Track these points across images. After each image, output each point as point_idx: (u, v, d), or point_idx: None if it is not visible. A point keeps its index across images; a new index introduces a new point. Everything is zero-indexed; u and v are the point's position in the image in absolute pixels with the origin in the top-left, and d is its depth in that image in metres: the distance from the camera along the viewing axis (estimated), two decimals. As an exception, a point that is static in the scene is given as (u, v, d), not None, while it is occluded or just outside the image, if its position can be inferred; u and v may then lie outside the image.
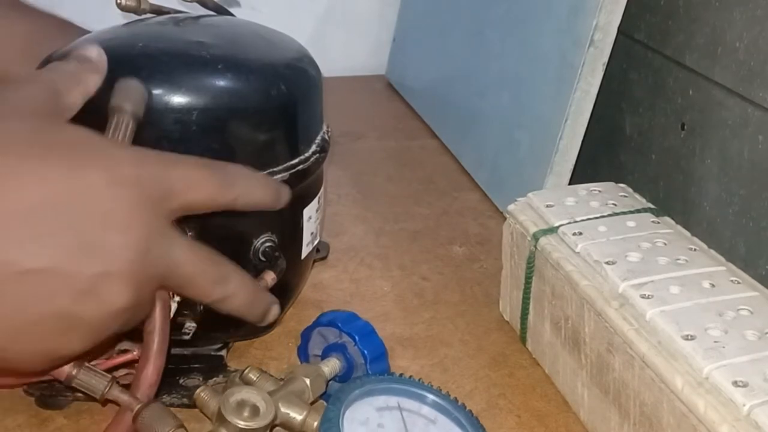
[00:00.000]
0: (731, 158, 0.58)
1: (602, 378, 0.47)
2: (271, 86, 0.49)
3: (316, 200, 0.55)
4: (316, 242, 0.57)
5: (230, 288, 0.42)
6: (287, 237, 0.52)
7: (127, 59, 0.47)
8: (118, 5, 0.52)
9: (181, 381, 0.50)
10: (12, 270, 0.34)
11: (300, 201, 0.52)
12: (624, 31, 0.66)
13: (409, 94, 1.02)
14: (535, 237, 0.53)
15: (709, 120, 0.61)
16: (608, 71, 0.64)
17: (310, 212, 0.54)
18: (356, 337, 0.48)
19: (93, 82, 0.44)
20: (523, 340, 0.56)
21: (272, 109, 0.49)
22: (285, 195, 0.47)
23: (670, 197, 0.66)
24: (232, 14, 0.58)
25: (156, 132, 0.45)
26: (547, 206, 0.55)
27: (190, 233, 0.45)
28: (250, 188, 0.44)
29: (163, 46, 0.48)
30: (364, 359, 0.48)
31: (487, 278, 0.65)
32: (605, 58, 0.63)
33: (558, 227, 0.52)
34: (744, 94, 0.57)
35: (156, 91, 0.45)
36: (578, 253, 0.50)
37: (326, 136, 0.56)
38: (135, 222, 0.37)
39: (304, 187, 0.52)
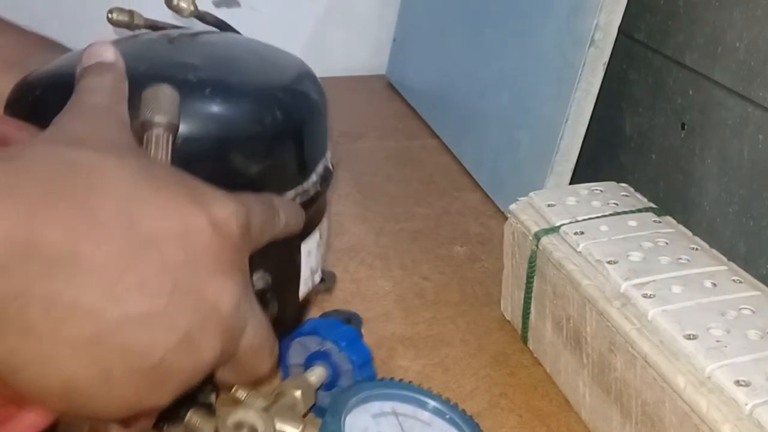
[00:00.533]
0: (731, 158, 0.58)
1: (604, 377, 0.47)
2: (264, 113, 0.45)
3: (316, 233, 0.50)
4: (317, 278, 0.53)
5: (271, 364, 0.38)
6: (282, 275, 0.47)
7: None
8: (109, 20, 0.49)
9: (165, 429, 0.45)
10: (114, 317, 0.31)
11: (297, 235, 0.47)
12: (624, 31, 0.66)
13: (409, 94, 1.02)
14: (537, 236, 0.53)
15: (709, 120, 0.61)
16: (608, 71, 0.64)
17: (309, 247, 0.49)
18: (342, 344, 0.47)
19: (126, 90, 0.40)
20: (524, 339, 0.57)
21: (265, 138, 0.45)
22: (303, 216, 0.45)
23: (670, 197, 0.66)
24: (235, 30, 0.54)
25: None
26: (549, 206, 0.55)
27: None
28: (290, 216, 0.42)
29: (145, 68, 0.44)
30: (351, 365, 0.47)
31: (488, 278, 0.65)
32: (605, 58, 0.63)
33: (559, 227, 0.53)
34: (744, 94, 0.57)
35: (135, 119, 0.40)
36: (580, 252, 0.50)
37: (329, 164, 0.51)
38: (234, 268, 0.34)
39: None
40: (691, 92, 0.63)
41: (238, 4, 1.06)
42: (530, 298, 0.54)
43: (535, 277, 0.54)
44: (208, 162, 0.43)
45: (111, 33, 0.51)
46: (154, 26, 0.51)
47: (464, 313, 0.61)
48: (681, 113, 0.64)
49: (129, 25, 0.50)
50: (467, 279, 0.65)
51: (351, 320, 0.57)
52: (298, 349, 0.49)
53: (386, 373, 0.54)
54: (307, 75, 0.50)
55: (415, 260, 0.68)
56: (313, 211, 0.49)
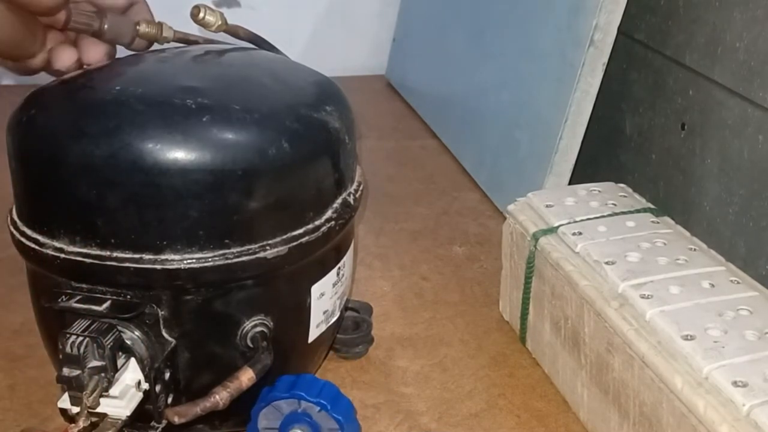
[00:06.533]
0: (731, 158, 0.58)
1: (602, 378, 0.47)
2: (269, 143, 0.40)
3: (333, 272, 0.46)
4: (333, 319, 0.48)
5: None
6: (288, 319, 0.44)
7: (95, 106, 0.40)
8: (136, 33, 0.46)
9: None
10: None
11: (307, 277, 0.44)
12: (624, 31, 0.66)
13: (409, 94, 1.02)
14: (535, 237, 0.53)
15: (709, 120, 0.61)
16: (608, 71, 0.64)
17: (323, 288, 0.46)
18: (326, 405, 0.42)
19: None
20: (522, 340, 0.56)
21: (268, 172, 0.41)
22: None
23: (670, 197, 0.66)
24: (272, 45, 0.51)
25: (121, 195, 0.38)
26: (547, 206, 0.55)
27: (162, 312, 0.40)
28: None
29: (143, 91, 0.41)
30: (339, 425, 0.43)
31: (486, 278, 0.65)
32: (605, 58, 0.63)
33: (558, 227, 0.52)
34: (744, 94, 0.57)
35: (123, 146, 0.38)
36: (578, 253, 0.50)
37: (351, 198, 0.46)
38: None
39: (312, 261, 0.44)
40: (691, 92, 0.63)
41: (238, 4, 1.06)
42: (528, 299, 0.54)
43: (533, 278, 0.53)
44: (201, 196, 0.39)
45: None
46: (184, 40, 0.48)
47: (463, 313, 0.61)
48: (681, 113, 0.64)
49: (156, 38, 0.47)
50: (466, 279, 0.65)
51: (361, 311, 0.57)
52: (271, 413, 0.44)
53: (385, 373, 0.54)
54: (331, 99, 0.46)
55: (414, 260, 0.68)
56: (328, 250, 0.45)
